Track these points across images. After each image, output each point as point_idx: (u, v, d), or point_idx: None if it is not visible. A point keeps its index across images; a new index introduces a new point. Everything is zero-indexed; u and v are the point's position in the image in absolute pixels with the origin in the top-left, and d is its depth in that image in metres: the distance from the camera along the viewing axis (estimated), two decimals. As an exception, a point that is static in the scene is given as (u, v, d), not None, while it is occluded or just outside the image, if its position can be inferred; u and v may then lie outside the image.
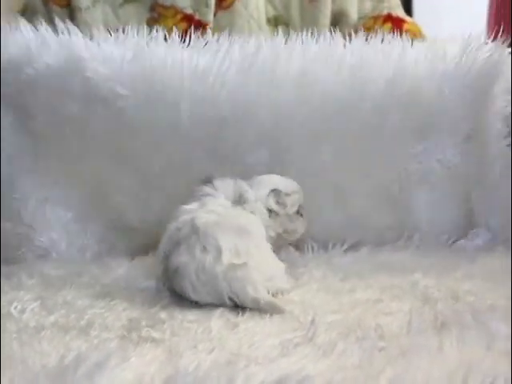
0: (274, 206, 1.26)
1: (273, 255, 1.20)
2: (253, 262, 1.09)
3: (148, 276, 1.28)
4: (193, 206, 1.19)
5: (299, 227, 1.32)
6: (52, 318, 1.04)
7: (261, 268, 1.10)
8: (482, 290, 1.17)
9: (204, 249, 1.09)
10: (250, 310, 1.07)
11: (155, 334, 0.95)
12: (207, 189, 1.24)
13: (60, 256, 1.51)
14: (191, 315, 1.05)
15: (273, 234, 1.26)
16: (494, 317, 0.97)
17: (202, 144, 1.50)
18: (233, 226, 1.14)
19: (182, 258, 1.10)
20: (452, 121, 1.56)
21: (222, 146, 1.50)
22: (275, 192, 1.27)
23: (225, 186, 1.25)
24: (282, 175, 1.38)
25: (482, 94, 1.55)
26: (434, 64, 1.52)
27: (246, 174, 1.38)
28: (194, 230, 1.11)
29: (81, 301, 1.14)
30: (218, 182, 1.26)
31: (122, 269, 1.36)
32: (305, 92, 1.50)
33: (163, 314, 1.06)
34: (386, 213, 1.57)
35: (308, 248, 1.52)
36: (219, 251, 1.08)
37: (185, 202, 1.24)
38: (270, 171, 1.42)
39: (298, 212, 1.31)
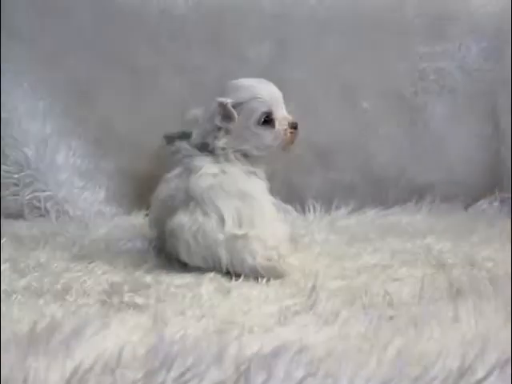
0: (219, 122, 1.18)
1: (277, 219, 1.19)
2: (255, 230, 1.10)
3: (131, 237, 1.29)
4: (177, 171, 1.19)
5: (268, 140, 1.20)
6: (24, 282, 1.03)
7: (263, 236, 1.10)
8: (500, 255, 1.17)
9: (205, 214, 1.10)
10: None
11: (139, 300, 0.94)
12: (183, 149, 1.22)
13: (36, 172, 1.53)
14: (179, 279, 1.06)
15: (238, 155, 1.19)
16: (515, 284, 0.97)
17: (200, 35, 1.52)
18: (233, 190, 1.13)
19: (179, 221, 1.11)
20: (476, 20, 1.56)
21: (221, 37, 1.53)
22: (220, 105, 1.18)
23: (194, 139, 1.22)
24: (284, 71, 1.42)
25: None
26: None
27: (247, 69, 1.44)
28: (191, 197, 1.12)
29: (56, 263, 1.14)
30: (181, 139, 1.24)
31: (102, 228, 1.36)
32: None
33: (148, 278, 1.06)
34: (398, 118, 1.59)
35: (309, 208, 1.52)
36: (221, 218, 1.10)
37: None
38: (273, 66, 1.46)
39: (265, 122, 1.19)
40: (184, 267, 1.11)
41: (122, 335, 0.79)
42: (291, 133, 1.20)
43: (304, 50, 1.54)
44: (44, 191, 1.53)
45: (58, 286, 1.01)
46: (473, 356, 0.69)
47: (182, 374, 0.65)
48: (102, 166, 1.59)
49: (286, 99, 1.22)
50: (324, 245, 1.26)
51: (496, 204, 1.59)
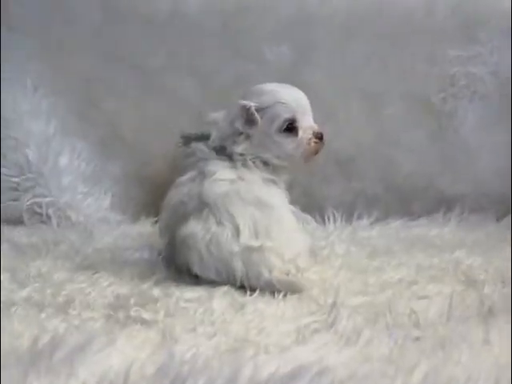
0: (241, 126, 1.17)
1: (297, 230, 1.19)
2: (273, 242, 1.10)
3: (139, 246, 1.29)
4: (191, 175, 1.19)
5: (289, 149, 1.19)
6: (24, 293, 1.04)
7: (281, 249, 1.10)
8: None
9: (219, 223, 1.10)
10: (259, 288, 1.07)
11: (146, 315, 0.95)
12: (198, 151, 1.22)
13: (37, 176, 1.54)
14: (190, 293, 1.06)
15: (257, 162, 1.19)
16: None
17: (213, 35, 1.54)
18: (250, 198, 1.13)
19: (191, 229, 1.11)
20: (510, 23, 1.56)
21: (236, 38, 1.54)
22: (242, 108, 1.18)
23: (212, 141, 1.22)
24: (305, 75, 1.42)
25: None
26: None
27: (264, 72, 1.46)
28: (204, 203, 1.12)
29: (58, 273, 1.15)
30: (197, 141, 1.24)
31: (107, 237, 1.37)
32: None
33: (156, 291, 1.06)
34: (425, 126, 1.59)
35: (329, 218, 1.52)
36: (237, 228, 1.10)
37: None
38: (292, 69, 1.48)
39: (287, 129, 1.19)
40: (195, 280, 1.11)
41: (129, 352, 0.79)
42: (315, 143, 1.20)
43: (325, 53, 1.55)
44: (46, 196, 1.54)
45: (60, 299, 1.02)
46: (505, 382, 0.69)
47: (193, 396, 0.65)
48: (107, 170, 1.60)
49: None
50: (345, 257, 1.26)
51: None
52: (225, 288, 1.07)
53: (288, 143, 1.19)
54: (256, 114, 1.17)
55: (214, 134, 1.20)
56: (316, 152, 1.21)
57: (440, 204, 1.58)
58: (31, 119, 1.57)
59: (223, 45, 1.56)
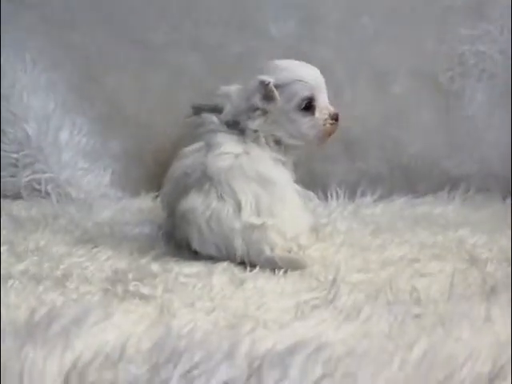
0: (258, 102, 1.17)
1: (300, 208, 1.18)
2: (274, 220, 1.10)
3: (138, 221, 1.29)
4: (197, 145, 1.18)
5: (305, 128, 1.19)
6: (22, 266, 1.04)
7: (283, 227, 1.10)
8: (541, 250, 1.16)
9: (221, 198, 1.10)
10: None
11: (145, 289, 0.95)
12: (208, 122, 1.21)
13: (37, 151, 1.54)
14: (189, 268, 1.06)
15: (269, 140, 1.19)
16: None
17: (218, 9, 1.55)
18: (253, 174, 1.13)
19: (191, 203, 1.11)
20: None
21: (240, 12, 1.54)
22: (261, 83, 1.17)
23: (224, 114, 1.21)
24: (311, 52, 1.43)
25: None
26: None
27: (269, 47, 1.47)
28: (207, 176, 1.12)
29: (56, 247, 1.15)
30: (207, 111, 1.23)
31: (107, 211, 1.37)
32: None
33: (155, 266, 1.06)
34: (432, 105, 1.60)
35: (332, 195, 1.52)
36: (238, 204, 1.10)
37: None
38: (297, 45, 1.49)
39: (305, 108, 1.18)
40: (195, 255, 1.12)
41: (126, 327, 0.79)
42: (331, 124, 1.19)
43: (333, 29, 1.55)
44: (45, 172, 1.54)
45: (58, 272, 1.02)
46: (505, 359, 0.70)
47: (190, 371, 0.66)
48: (108, 147, 1.61)
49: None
50: (347, 234, 1.26)
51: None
52: (224, 264, 1.07)
53: (304, 122, 1.19)
54: (275, 90, 1.16)
55: (228, 108, 1.19)
56: (331, 133, 1.20)
57: (445, 182, 1.57)
58: (30, 94, 1.57)
59: (228, 19, 1.55)
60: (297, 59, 1.22)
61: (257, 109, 1.17)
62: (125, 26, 1.56)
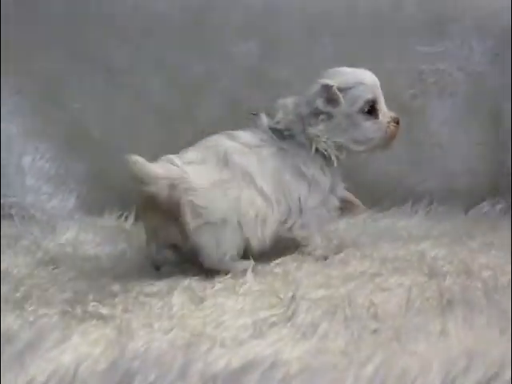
0: (322, 105, 1.18)
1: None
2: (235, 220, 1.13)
3: (101, 241, 1.29)
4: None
5: (370, 131, 1.20)
6: (-19, 290, 1.04)
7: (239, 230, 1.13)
8: (500, 263, 1.17)
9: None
10: (222, 282, 1.08)
11: (104, 310, 0.96)
12: (258, 120, 1.23)
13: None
14: (150, 288, 1.07)
15: (331, 146, 1.19)
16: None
17: (180, 31, 1.56)
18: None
19: None
20: (479, 17, 1.57)
21: (203, 34, 1.55)
22: (324, 87, 1.18)
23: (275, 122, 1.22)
24: (272, 72, 1.46)
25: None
26: None
27: (232, 67, 1.50)
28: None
29: (17, 269, 1.15)
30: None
31: (70, 232, 1.37)
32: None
33: (116, 286, 1.07)
34: None
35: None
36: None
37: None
38: (259, 66, 1.51)
39: (368, 111, 1.20)
40: (157, 273, 1.12)
41: (83, 348, 0.80)
42: (394, 127, 1.21)
43: (293, 50, 1.56)
44: (9, 197, 1.53)
45: (18, 294, 1.02)
46: (455, 373, 0.71)
47: (144, 391, 0.66)
48: (72, 170, 1.60)
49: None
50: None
51: (499, 206, 1.59)
52: (186, 282, 1.08)
53: (369, 126, 1.20)
54: (339, 93, 1.17)
55: (280, 115, 1.21)
56: (395, 136, 1.22)
57: (409, 196, 1.59)
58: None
59: (190, 41, 1.56)
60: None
61: (320, 113, 1.18)
62: (87, 50, 1.56)
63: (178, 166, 1.12)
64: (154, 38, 1.56)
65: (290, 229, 1.21)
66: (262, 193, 1.16)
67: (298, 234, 1.22)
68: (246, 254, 1.16)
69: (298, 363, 0.75)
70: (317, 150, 1.19)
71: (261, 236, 1.16)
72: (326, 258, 1.21)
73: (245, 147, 1.18)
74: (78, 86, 1.58)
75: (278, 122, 1.21)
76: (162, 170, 1.10)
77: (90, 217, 1.55)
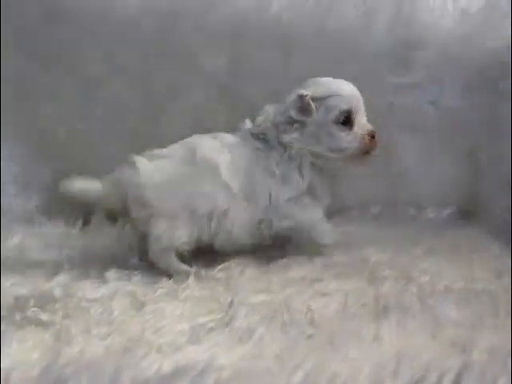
0: (295, 114, 1.21)
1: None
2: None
3: (47, 246, 1.29)
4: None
5: (344, 142, 1.21)
6: None
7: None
8: (440, 268, 1.20)
9: None
10: (164, 287, 1.09)
11: (44, 316, 0.96)
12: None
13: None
14: (93, 293, 1.07)
15: (305, 152, 1.22)
16: (445, 301, 1.00)
17: (150, 41, 1.55)
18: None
19: None
20: (449, 48, 1.58)
21: (174, 45, 1.55)
22: (298, 97, 1.21)
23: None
24: (241, 88, 1.47)
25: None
26: None
27: (201, 81, 1.50)
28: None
29: (-41, 275, 1.14)
30: None
31: (16, 237, 1.36)
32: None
33: (58, 292, 1.07)
34: None
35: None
36: None
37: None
38: (229, 82, 1.51)
39: (344, 122, 1.21)
40: (102, 279, 1.12)
41: (19, 355, 0.80)
42: (370, 140, 1.22)
43: (262, 67, 1.56)
44: None
45: (-42, 301, 1.01)
46: (384, 376, 0.73)
47: (74, 396, 0.67)
48: (37, 174, 1.58)
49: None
50: (254, 255, 1.26)
51: (446, 212, 1.62)
52: (129, 287, 1.08)
53: (343, 136, 1.22)
54: (312, 103, 1.20)
55: (260, 120, 1.25)
56: (372, 148, 1.23)
57: (356, 202, 1.60)
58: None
59: (160, 52, 1.56)
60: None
61: (294, 122, 1.21)
62: (59, 57, 1.55)
63: (134, 163, 1.18)
64: (125, 48, 1.55)
65: (270, 225, 1.23)
66: (226, 188, 1.19)
67: (279, 226, 1.23)
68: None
69: (231, 368, 0.76)
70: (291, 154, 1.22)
71: (221, 232, 1.20)
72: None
73: (221, 145, 1.22)
74: (48, 91, 1.56)
75: (256, 126, 1.25)
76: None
77: (39, 222, 1.53)
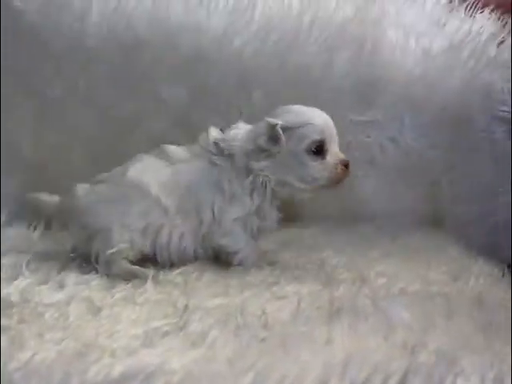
0: (264, 143, 1.19)
1: None
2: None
3: (5, 250, 1.28)
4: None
5: (315, 171, 1.20)
6: None
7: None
8: (397, 271, 1.22)
9: None
10: (122, 292, 1.09)
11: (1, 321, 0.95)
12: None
13: None
14: (50, 298, 1.06)
15: (271, 181, 1.21)
16: (399, 303, 1.02)
17: (110, 70, 1.55)
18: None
19: None
20: (409, 87, 1.59)
21: (134, 74, 1.55)
22: (268, 125, 1.19)
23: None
24: (199, 119, 1.47)
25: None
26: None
27: (161, 110, 1.52)
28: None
29: None
30: None
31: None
32: (240, 20, 1.55)
33: (15, 297, 1.06)
34: (324, 195, 1.58)
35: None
36: None
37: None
38: (187, 112, 1.52)
39: (316, 151, 1.20)
40: (59, 284, 1.12)
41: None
42: (342, 170, 1.21)
43: (222, 99, 1.56)
44: None
45: None
46: (331, 377, 0.74)
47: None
48: (5, 186, 1.58)
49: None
50: (213, 260, 1.27)
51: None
52: (86, 292, 1.08)
53: (315, 165, 1.20)
54: (281, 132, 1.18)
55: (229, 135, 1.24)
56: (342, 179, 1.22)
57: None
58: None
59: (121, 80, 1.56)
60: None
61: (263, 150, 1.19)
62: (22, 78, 1.56)
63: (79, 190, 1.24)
64: (87, 75, 1.56)
65: (211, 239, 1.23)
66: (158, 204, 1.20)
67: (218, 242, 1.23)
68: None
69: (182, 371, 0.77)
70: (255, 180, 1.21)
71: (158, 246, 1.22)
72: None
73: (160, 163, 1.24)
74: (12, 109, 1.56)
75: (223, 140, 1.23)
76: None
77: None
